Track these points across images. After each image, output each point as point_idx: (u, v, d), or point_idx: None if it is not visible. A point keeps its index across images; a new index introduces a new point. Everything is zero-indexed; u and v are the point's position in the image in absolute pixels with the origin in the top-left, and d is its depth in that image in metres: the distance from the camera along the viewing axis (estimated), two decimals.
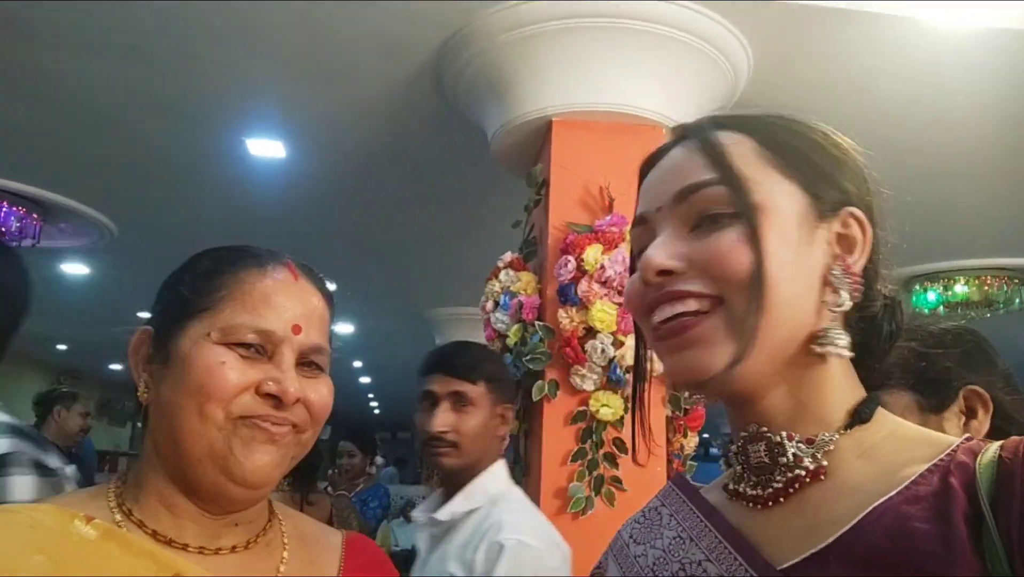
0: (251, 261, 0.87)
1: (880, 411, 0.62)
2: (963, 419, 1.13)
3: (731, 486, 0.65)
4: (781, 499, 0.61)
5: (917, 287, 5.23)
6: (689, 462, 2.41)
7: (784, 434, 0.61)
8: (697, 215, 0.62)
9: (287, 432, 0.82)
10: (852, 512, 0.56)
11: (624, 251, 2.22)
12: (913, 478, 0.56)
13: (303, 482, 3.59)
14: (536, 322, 2.31)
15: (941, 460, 0.56)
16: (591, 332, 2.21)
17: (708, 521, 0.64)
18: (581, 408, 2.25)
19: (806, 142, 0.65)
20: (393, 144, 3.45)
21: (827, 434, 0.61)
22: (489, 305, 2.48)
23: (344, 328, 8.05)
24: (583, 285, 2.21)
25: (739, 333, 0.58)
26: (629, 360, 2.18)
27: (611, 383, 2.21)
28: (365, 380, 12.83)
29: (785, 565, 0.57)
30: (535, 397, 2.25)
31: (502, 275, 2.46)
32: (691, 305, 0.60)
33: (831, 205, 0.63)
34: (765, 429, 0.62)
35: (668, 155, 0.68)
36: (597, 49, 2.43)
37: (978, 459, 0.54)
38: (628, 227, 2.25)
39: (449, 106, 2.98)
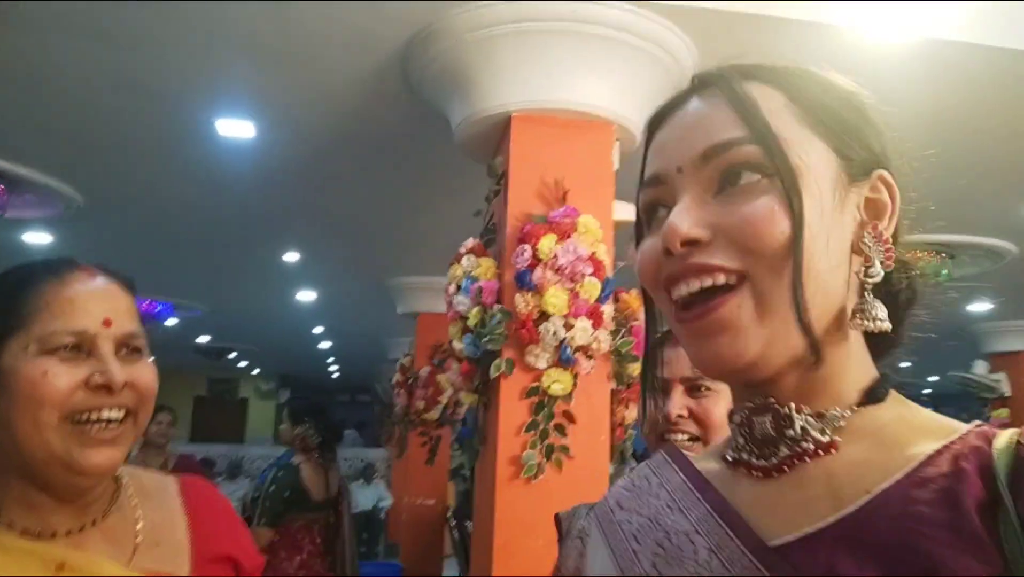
0: (48, 273, 0.91)
1: (892, 392, 0.60)
2: None
3: (731, 455, 0.62)
4: (786, 468, 0.58)
5: None
6: (630, 431, 2.66)
7: (792, 406, 0.58)
8: (723, 177, 0.57)
9: (122, 425, 0.89)
10: (855, 492, 0.54)
11: (575, 241, 2.43)
12: (921, 460, 0.53)
13: (328, 452, 3.90)
14: (495, 305, 2.51)
15: (952, 443, 0.54)
16: (544, 315, 2.42)
17: (699, 492, 0.62)
18: (534, 384, 2.47)
19: (837, 99, 0.60)
20: (359, 128, 3.59)
21: (838, 410, 0.58)
22: (452, 288, 2.67)
23: (306, 295, 8.16)
24: (538, 272, 2.42)
25: (770, 315, 0.55)
26: (579, 341, 2.40)
27: (562, 362, 2.43)
28: (325, 345, 12.94)
29: (778, 542, 0.55)
30: (493, 374, 2.46)
31: (464, 260, 2.65)
32: (718, 279, 0.56)
33: (862, 168, 0.59)
34: (773, 400, 0.58)
35: (686, 108, 0.61)
36: (554, 49, 2.61)
37: (994, 443, 0.52)
38: (579, 218, 2.47)
39: (415, 96, 3.14)
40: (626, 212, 2.76)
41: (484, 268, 2.57)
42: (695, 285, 0.56)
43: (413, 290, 6.90)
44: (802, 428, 0.57)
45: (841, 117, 0.59)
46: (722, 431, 1.22)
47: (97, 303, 0.90)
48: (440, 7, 2.61)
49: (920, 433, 0.56)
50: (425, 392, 6.58)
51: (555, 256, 2.40)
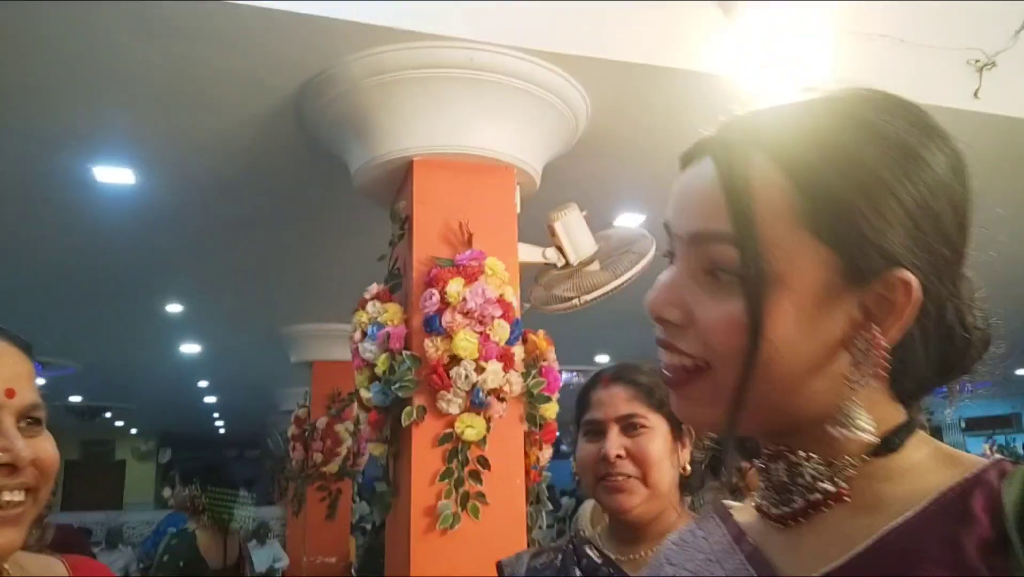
0: None
1: (917, 435, 0.58)
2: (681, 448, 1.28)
3: (757, 502, 0.63)
4: (801, 519, 0.58)
5: None
6: (544, 473, 2.65)
7: (803, 454, 0.57)
8: (708, 264, 0.56)
9: (23, 504, 0.82)
10: (868, 533, 0.54)
11: (483, 284, 2.42)
12: (932, 498, 0.53)
13: (223, 517, 3.62)
14: (403, 351, 2.46)
15: (966, 479, 0.53)
16: (455, 359, 2.39)
17: (735, 542, 0.63)
18: (447, 430, 2.42)
19: (860, 189, 0.53)
20: (250, 173, 3.48)
21: (848, 459, 0.56)
22: (357, 335, 2.60)
23: (190, 348, 7.78)
24: (447, 316, 2.39)
25: (725, 403, 0.56)
26: (491, 384, 2.38)
27: (474, 406, 2.41)
28: (210, 400, 12.34)
29: None
30: (405, 422, 2.41)
31: (369, 306, 2.59)
32: (684, 361, 0.58)
33: (870, 269, 0.53)
34: (785, 448, 0.58)
35: (694, 170, 0.59)
36: (454, 95, 2.62)
37: (1006, 479, 0.51)
38: (486, 261, 2.47)
39: (310, 139, 3.08)
40: (528, 254, 2.79)
41: (391, 313, 2.53)
42: (664, 359, 0.59)
43: (307, 338, 6.70)
44: (812, 476, 0.57)
45: (853, 215, 0.53)
46: (659, 468, 1.23)
47: None
48: (336, 52, 2.58)
49: (937, 472, 0.55)
50: (323, 444, 6.36)
51: (464, 299, 2.38)
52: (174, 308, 6.07)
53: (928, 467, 0.56)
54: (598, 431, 1.28)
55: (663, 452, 1.24)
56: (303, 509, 6.57)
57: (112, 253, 4.57)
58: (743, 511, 0.67)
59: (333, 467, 6.37)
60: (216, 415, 14.67)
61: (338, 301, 5.73)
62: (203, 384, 10.63)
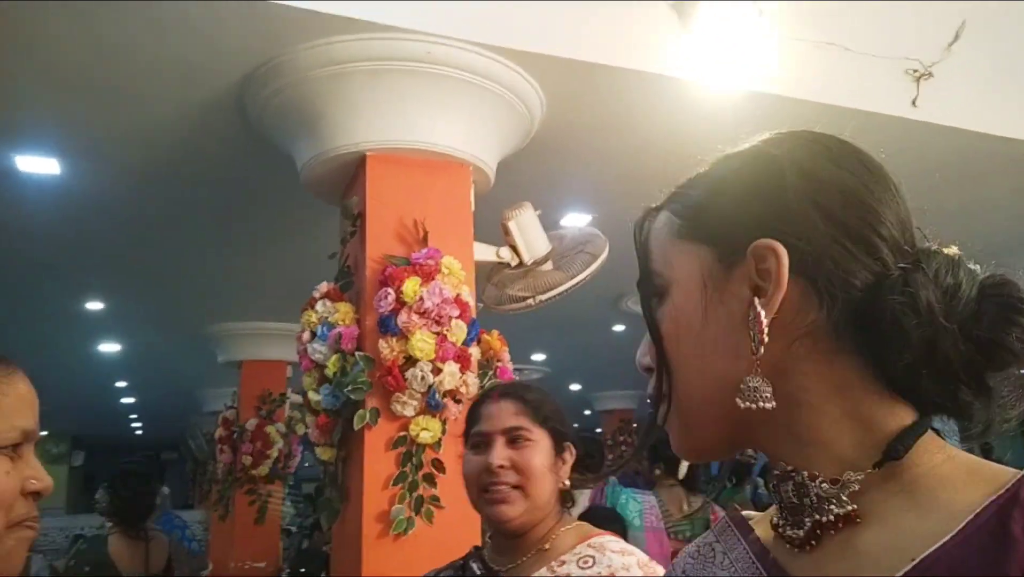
0: None
1: (926, 439, 0.55)
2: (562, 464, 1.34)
3: (774, 522, 0.61)
4: (813, 542, 0.56)
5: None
6: None
7: (805, 474, 0.56)
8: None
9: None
10: (900, 560, 0.51)
11: (440, 283, 2.37)
12: (967, 520, 0.50)
13: (138, 522, 3.43)
14: (356, 352, 2.38)
15: (998, 497, 0.50)
16: (410, 361, 2.33)
17: (760, 563, 0.61)
18: (402, 433, 2.36)
19: (713, 191, 0.62)
20: (187, 164, 3.32)
21: (852, 473, 0.55)
22: (306, 335, 2.51)
23: (110, 347, 7.42)
24: (403, 316, 2.33)
25: (678, 410, 0.61)
26: (447, 385, 2.33)
27: (430, 408, 2.35)
28: (128, 400, 11.82)
29: None
30: (357, 425, 2.33)
31: (319, 305, 2.50)
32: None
33: (738, 247, 0.58)
34: (791, 469, 0.57)
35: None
36: (410, 90, 2.56)
37: None
38: (443, 260, 2.42)
39: (253, 133, 2.95)
40: (482, 253, 2.74)
41: (342, 313, 2.44)
42: (654, 407, 0.64)
43: (237, 337, 6.48)
44: (817, 496, 0.55)
45: (708, 209, 0.61)
46: (541, 480, 1.29)
47: (34, 401, 0.85)
48: (283, 40, 2.48)
49: (960, 486, 0.53)
50: (252, 446, 6.16)
51: (420, 299, 2.32)
52: (94, 305, 5.76)
53: (949, 479, 0.54)
54: (485, 443, 1.32)
55: (545, 465, 1.30)
56: (230, 513, 6.34)
57: (32, 246, 4.30)
58: (761, 524, 0.64)
59: (263, 469, 6.18)
60: (134, 416, 14.06)
61: (274, 299, 5.57)
62: (121, 384, 10.16)
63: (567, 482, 1.34)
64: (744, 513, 0.68)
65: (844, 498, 0.54)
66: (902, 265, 0.55)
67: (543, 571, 1.25)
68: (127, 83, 2.69)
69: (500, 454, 1.29)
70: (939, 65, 3.04)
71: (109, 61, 2.55)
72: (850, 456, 0.55)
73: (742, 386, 0.55)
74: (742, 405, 0.55)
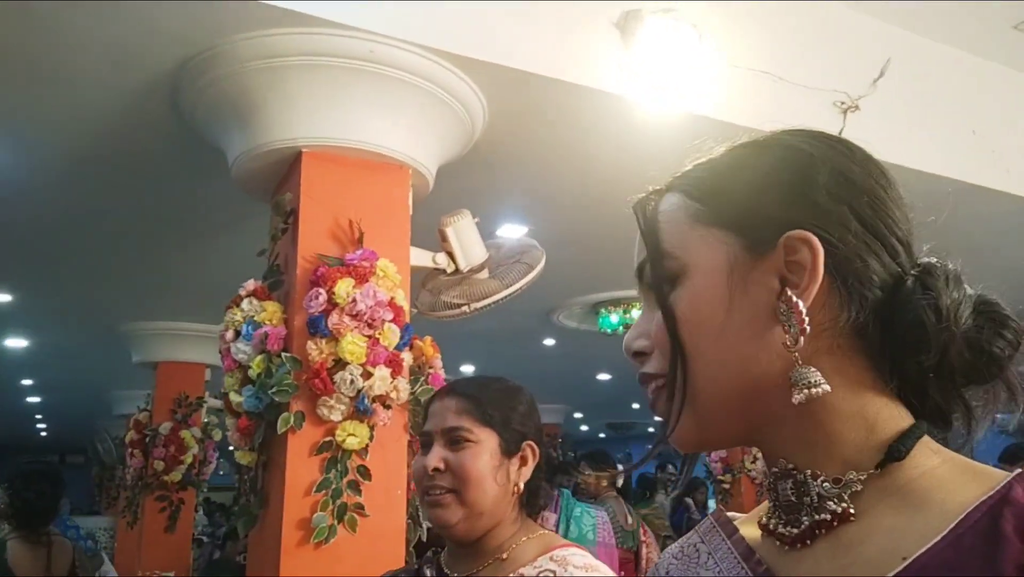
0: None
1: (923, 442, 0.56)
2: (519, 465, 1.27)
3: (763, 521, 0.62)
4: (808, 541, 0.57)
5: (603, 311, 5.97)
6: None
7: (808, 473, 0.57)
8: (646, 289, 0.64)
9: None
10: (891, 560, 0.51)
11: (374, 286, 2.32)
12: (958, 520, 0.50)
13: (40, 526, 3.24)
14: (282, 353, 2.31)
15: (990, 497, 0.51)
16: (340, 363, 2.27)
17: (745, 563, 0.61)
18: (327, 438, 2.30)
19: (739, 179, 0.61)
20: (113, 153, 3.18)
21: (855, 473, 0.55)
22: (229, 335, 2.42)
23: (16, 343, 7.03)
24: (334, 317, 2.27)
25: (689, 405, 0.59)
26: (377, 390, 2.28)
27: (358, 413, 2.29)
28: (34, 400, 11.22)
29: None
30: (281, 429, 2.25)
31: (244, 304, 2.41)
32: (658, 382, 0.61)
33: (769, 237, 0.58)
34: (792, 467, 0.58)
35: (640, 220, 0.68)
36: (351, 88, 2.51)
37: None
38: (378, 262, 2.37)
39: (185, 123, 2.84)
40: (418, 258, 2.71)
41: (269, 312, 2.37)
42: (646, 391, 0.63)
43: (153, 337, 6.23)
44: (818, 495, 0.56)
45: (731, 196, 0.60)
46: (479, 485, 1.21)
47: None
48: (223, 29, 2.40)
49: (953, 486, 0.53)
50: (166, 451, 5.92)
51: (353, 300, 2.27)
52: (1, 297, 5.45)
53: (944, 480, 0.54)
54: (428, 443, 1.26)
55: (486, 468, 1.22)
56: (139, 520, 6.07)
57: None
58: (747, 524, 0.65)
59: (176, 476, 5.95)
60: (39, 417, 13.37)
61: (195, 298, 5.38)
62: (27, 383, 9.64)
63: (521, 486, 1.26)
64: (729, 513, 0.68)
65: (845, 498, 0.55)
66: (915, 271, 0.57)
67: None
68: (56, 62, 2.56)
69: (436, 456, 1.22)
70: (865, 99, 3.17)
71: (37, 38, 2.43)
72: (853, 456, 0.56)
73: (794, 377, 0.55)
74: (797, 397, 0.54)
